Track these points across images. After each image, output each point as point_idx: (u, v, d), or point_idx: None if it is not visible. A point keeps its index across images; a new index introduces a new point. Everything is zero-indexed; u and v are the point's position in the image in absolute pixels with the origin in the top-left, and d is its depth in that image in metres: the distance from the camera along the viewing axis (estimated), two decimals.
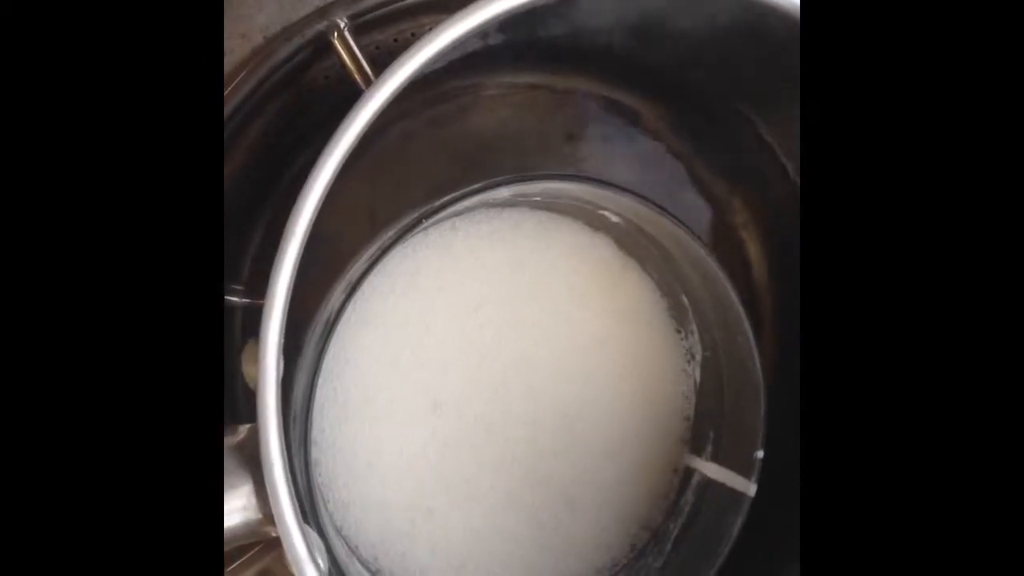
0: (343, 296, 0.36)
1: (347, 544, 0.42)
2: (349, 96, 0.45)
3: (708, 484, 0.44)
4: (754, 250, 0.49)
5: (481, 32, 0.32)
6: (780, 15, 0.32)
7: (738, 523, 0.42)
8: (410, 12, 0.47)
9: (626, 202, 0.39)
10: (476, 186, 0.37)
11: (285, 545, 0.29)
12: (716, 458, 0.44)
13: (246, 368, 0.35)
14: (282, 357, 0.30)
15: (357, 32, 0.44)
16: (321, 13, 0.44)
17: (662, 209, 0.39)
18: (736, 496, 0.42)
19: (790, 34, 0.32)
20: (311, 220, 0.30)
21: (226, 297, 0.44)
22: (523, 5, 0.31)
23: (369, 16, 0.45)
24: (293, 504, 0.29)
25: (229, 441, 0.31)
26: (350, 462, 0.42)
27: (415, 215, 0.36)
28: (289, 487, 0.29)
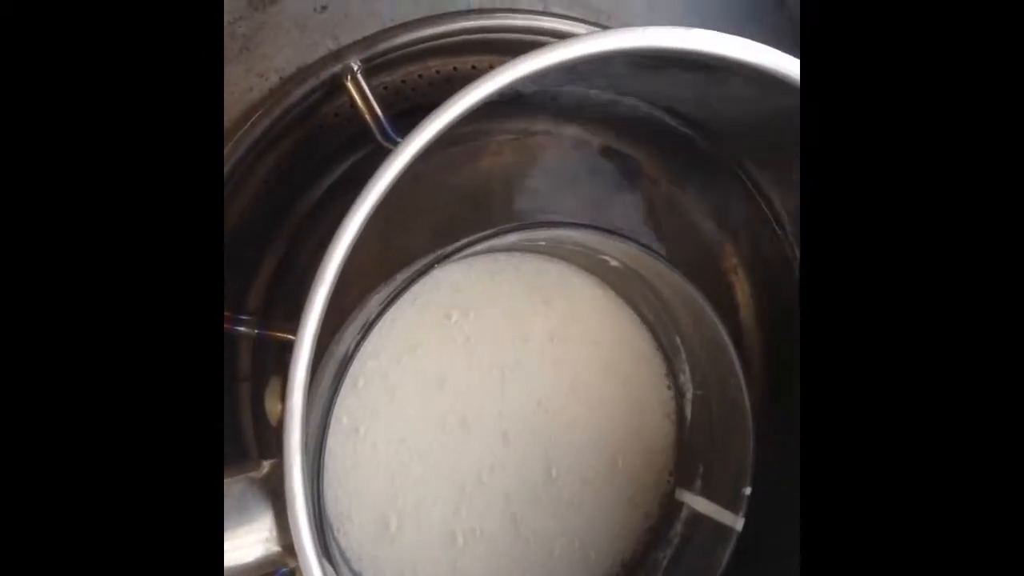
0: (358, 336, 0.37)
1: (351, 571, 0.44)
2: (358, 133, 0.47)
3: (697, 517, 0.46)
4: (742, 294, 0.51)
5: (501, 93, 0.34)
6: (785, 87, 0.33)
7: (726, 556, 0.44)
8: (419, 56, 0.48)
9: (626, 248, 0.41)
10: (486, 233, 0.39)
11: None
12: (705, 492, 0.46)
13: (269, 405, 0.37)
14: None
15: (368, 74, 0.46)
16: (336, 56, 0.46)
17: (660, 256, 0.41)
18: (724, 530, 0.44)
19: (791, 102, 0.34)
20: (339, 269, 0.32)
21: (235, 327, 0.46)
22: (542, 69, 0.33)
23: (380, 60, 0.47)
24: (314, 539, 0.31)
25: (252, 476, 0.32)
26: (359, 494, 0.44)
27: (428, 260, 0.38)
28: (311, 523, 0.30)
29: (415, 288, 0.41)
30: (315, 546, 0.31)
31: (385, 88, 0.49)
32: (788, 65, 0.34)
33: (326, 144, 0.49)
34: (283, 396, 0.31)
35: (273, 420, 0.32)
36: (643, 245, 0.40)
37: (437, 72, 0.50)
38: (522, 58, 0.33)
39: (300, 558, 0.31)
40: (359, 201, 0.31)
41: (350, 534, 0.44)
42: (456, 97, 0.32)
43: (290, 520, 0.30)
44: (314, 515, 0.35)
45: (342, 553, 0.43)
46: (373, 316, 0.38)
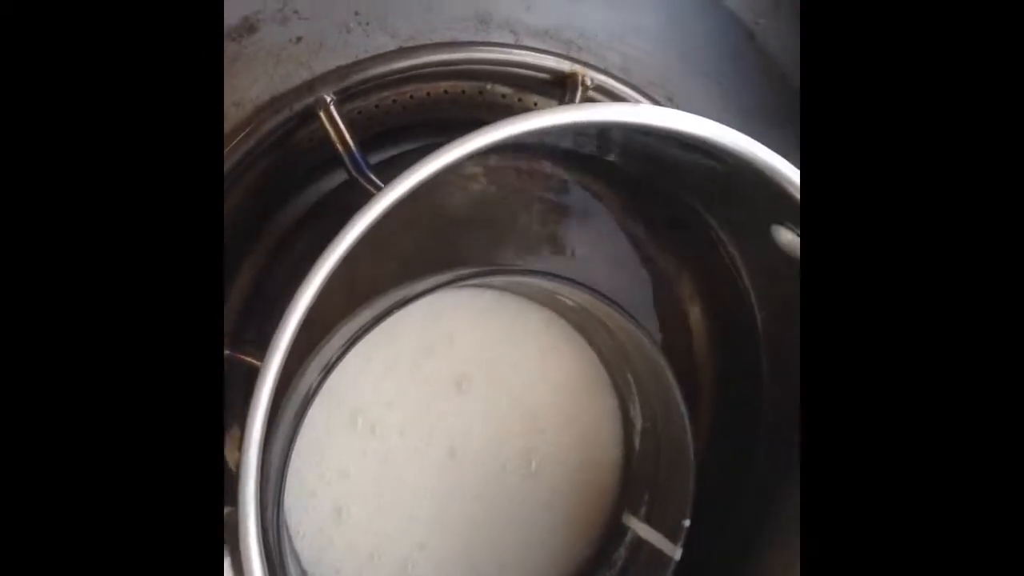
0: (320, 376, 0.39)
1: None
2: (331, 157, 0.48)
3: (640, 543, 0.49)
4: (695, 321, 0.54)
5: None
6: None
7: None
8: (393, 83, 0.50)
9: (577, 292, 0.43)
10: (447, 277, 0.41)
11: None
12: (648, 520, 0.48)
13: (229, 452, 0.39)
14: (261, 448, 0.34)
15: (341, 101, 0.48)
16: (309, 87, 0.47)
17: (609, 300, 0.43)
18: (663, 558, 0.46)
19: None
20: (298, 327, 0.34)
21: None
22: (528, 131, 0.35)
23: (355, 89, 0.48)
24: None
25: None
26: (318, 515, 0.47)
27: (390, 304, 0.40)
28: (264, 569, 0.33)
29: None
30: None
31: (359, 113, 0.50)
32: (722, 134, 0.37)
33: (300, 168, 0.51)
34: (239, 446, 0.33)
35: (232, 466, 0.34)
36: (594, 291, 0.42)
37: (411, 97, 0.51)
38: (495, 126, 0.36)
39: None
40: (328, 252, 0.33)
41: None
42: (435, 155, 0.35)
43: (244, 567, 0.33)
44: (270, 543, 0.38)
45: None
46: (336, 357, 0.40)
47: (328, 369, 0.40)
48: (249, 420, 0.33)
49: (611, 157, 0.48)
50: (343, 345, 0.40)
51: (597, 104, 0.37)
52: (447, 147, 0.35)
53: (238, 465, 0.34)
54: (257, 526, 0.33)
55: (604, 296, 0.43)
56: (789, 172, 0.38)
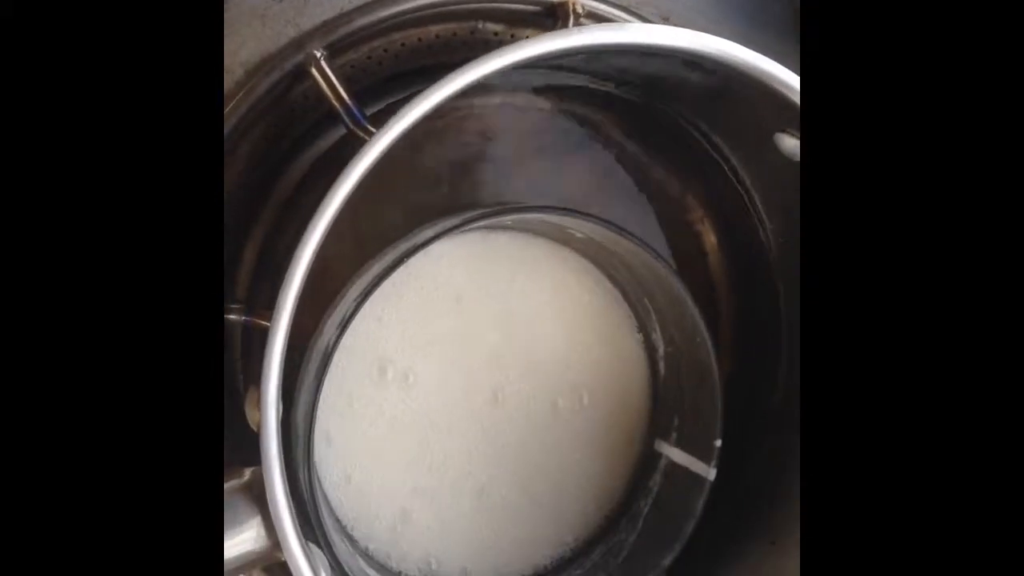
0: (337, 331, 0.39)
1: (349, 541, 0.47)
2: (329, 113, 0.48)
3: (674, 467, 0.49)
4: (709, 242, 0.53)
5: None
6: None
7: (700, 503, 0.46)
8: (383, 32, 0.49)
9: (590, 226, 0.43)
10: (455, 221, 0.40)
11: (292, 569, 0.34)
12: (680, 444, 0.48)
13: (249, 412, 0.39)
14: (280, 404, 0.34)
15: (332, 55, 0.47)
16: (298, 45, 0.47)
17: (620, 229, 0.43)
18: (698, 479, 0.47)
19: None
20: (306, 272, 0.34)
21: (225, 316, 0.48)
22: (515, 62, 0.34)
23: (344, 42, 0.48)
24: (298, 535, 0.33)
25: (237, 483, 0.35)
26: (347, 463, 0.47)
27: (399, 253, 0.40)
28: (294, 525, 0.33)
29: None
30: (300, 542, 0.34)
31: (352, 67, 0.49)
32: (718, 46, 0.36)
33: (298, 126, 0.50)
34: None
35: (254, 426, 0.34)
36: (598, 219, 0.42)
37: (402, 44, 0.50)
38: (486, 58, 0.35)
39: (287, 555, 0.33)
40: (327, 201, 0.33)
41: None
42: (423, 96, 0.34)
43: (275, 523, 0.33)
44: (304, 497, 0.38)
45: (347, 532, 0.47)
46: (351, 311, 0.40)
47: (344, 324, 0.40)
48: (264, 378, 0.33)
49: (609, 87, 0.47)
50: (356, 298, 0.40)
51: (585, 28, 0.36)
52: (435, 86, 0.35)
53: (258, 425, 0.34)
54: (284, 483, 0.33)
55: (614, 225, 0.43)
56: (791, 80, 0.37)
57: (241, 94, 0.46)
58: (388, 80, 0.51)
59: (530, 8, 0.48)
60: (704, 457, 0.46)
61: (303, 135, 0.51)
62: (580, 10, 0.46)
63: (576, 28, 0.37)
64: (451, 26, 0.50)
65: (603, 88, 0.46)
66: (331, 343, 0.40)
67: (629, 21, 0.47)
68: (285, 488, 0.33)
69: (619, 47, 0.36)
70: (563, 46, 0.36)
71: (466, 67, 0.35)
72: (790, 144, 0.39)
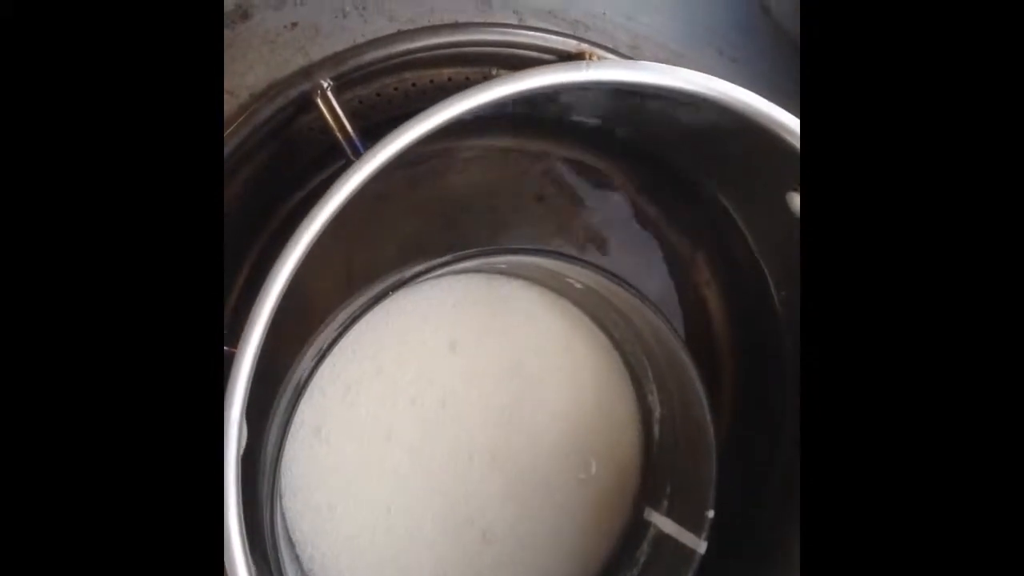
0: (313, 363, 0.38)
1: None
2: (332, 146, 0.47)
3: (663, 538, 0.46)
4: (715, 305, 0.51)
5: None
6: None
7: None
8: (395, 69, 0.48)
9: (587, 273, 0.41)
10: (446, 258, 0.39)
11: None
12: (671, 513, 0.46)
13: None
14: (245, 432, 0.32)
15: (340, 88, 0.46)
16: (306, 73, 0.46)
17: (619, 279, 0.41)
18: (687, 552, 0.44)
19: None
20: (276, 303, 0.32)
21: None
22: (513, 94, 0.33)
23: (354, 75, 0.47)
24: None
25: None
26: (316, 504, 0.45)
27: (383, 287, 0.38)
28: (245, 560, 0.31)
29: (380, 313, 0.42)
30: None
31: (360, 102, 0.48)
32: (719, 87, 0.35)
33: (301, 156, 0.49)
34: None
35: None
36: (598, 267, 0.40)
37: (413, 84, 0.49)
38: (482, 87, 0.34)
39: None
40: (306, 223, 0.32)
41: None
42: (409, 124, 0.33)
43: (225, 559, 0.31)
44: (266, 533, 0.36)
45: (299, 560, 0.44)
46: (329, 342, 0.38)
47: (321, 356, 0.38)
48: (226, 401, 0.31)
49: (620, 132, 0.46)
50: (336, 329, 0.38)
51: (582, 64, 0.35)
52: (428, 111, 0.33)
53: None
54: (239, 519, 0.31)
55: (611, 274, 0.41)
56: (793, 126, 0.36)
57: (243, 118, 0.46)
58: (396, 120, 0.50)
59: (546, 57, 0.47)
60: (695, 528, 0.44)
61: (306, 166, 0.50)
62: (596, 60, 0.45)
63: (578, 63, 0.36)
64: (464, 70, 0.49)
65: (615, 134, 0.45)
66: (304, 376, 0.38)
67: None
68: (241, 529, 0.31)
69: (630, 86, 0.35)
70: (572, 80, 0.35)
71: (464, 93, 0.34)
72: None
